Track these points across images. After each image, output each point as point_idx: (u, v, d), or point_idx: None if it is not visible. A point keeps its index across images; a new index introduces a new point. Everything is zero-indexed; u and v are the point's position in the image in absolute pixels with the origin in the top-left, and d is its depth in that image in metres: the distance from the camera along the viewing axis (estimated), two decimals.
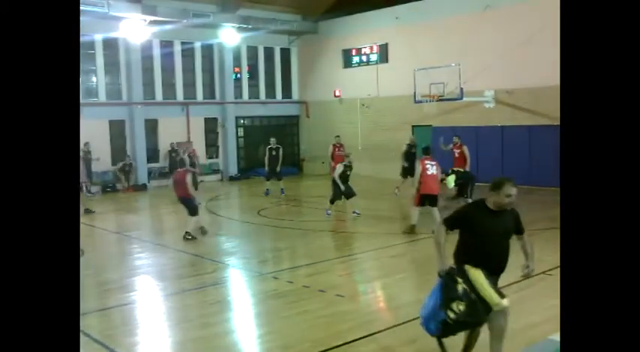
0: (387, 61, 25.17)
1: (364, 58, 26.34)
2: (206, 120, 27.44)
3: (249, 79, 28.89)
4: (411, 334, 6.44)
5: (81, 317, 7.48)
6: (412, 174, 13.61)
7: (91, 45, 23.84)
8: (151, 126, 25.52)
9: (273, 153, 19.99)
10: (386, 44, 25.12)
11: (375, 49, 25.68)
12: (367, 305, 8.15)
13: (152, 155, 25.20)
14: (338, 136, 21.77)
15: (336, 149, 20.75)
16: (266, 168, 20.14)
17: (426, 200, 12.20)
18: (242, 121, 28.64)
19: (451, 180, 15.05)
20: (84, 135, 22.55)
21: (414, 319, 6.35)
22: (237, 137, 28.25)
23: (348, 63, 27.15)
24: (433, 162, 12.42)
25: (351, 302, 8.01)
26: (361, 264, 10.69)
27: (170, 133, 25.49)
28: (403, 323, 6.90)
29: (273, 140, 20.51)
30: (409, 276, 9.85)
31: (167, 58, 26.08)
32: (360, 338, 6.51)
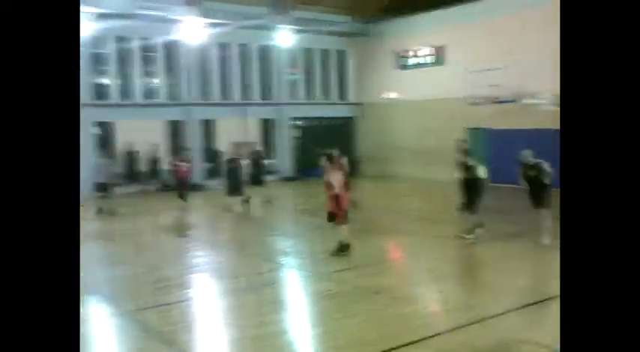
0: (441, 62, 24.98)
1: (418, 60, 26.20)
2: (262, 121, 27.81)
3: (305, 80, 29.11)
4: (464, 339, 6.41)
5: (141, 312, 7.84)
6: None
7: (152, 48, 24.52)
8: (208, 127, 26.04)
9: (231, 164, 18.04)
10: (441, 46, 24.93)
11: (430, 51, 25.53)
12: (422, 309, 8.14)
13: (209, 155, 25.66)
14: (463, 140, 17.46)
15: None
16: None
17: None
18: (297, 122, 28.88)
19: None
20: (144, 135, 23.26)
21: (468, 324, 6.32)
22: (293, 138, 28.51)
23: (402, 65, 27.05)
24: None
25: (405, 304, 8.01)
26: (416, 266, 10.66)
27: (226, 134, 25.88)
28: (456, 328, 6.87)
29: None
30: (464, 281, 9.78)
31: (224, 59, 26.55)
32: (414, 342, 6.52)
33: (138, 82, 24.66)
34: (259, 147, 21.12)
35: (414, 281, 9.67)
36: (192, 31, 23.69)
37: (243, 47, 27.06)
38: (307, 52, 28.93)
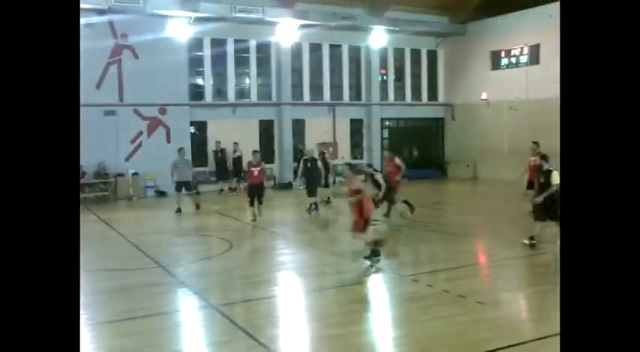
0: (537, 62, 24.21)
1: (513, 60, 25.53)
2: (352, 121, 27.93)
3: (395, 80, 28.97)
4: (551, 351, 6.20)
5: (228, 306, 8.06)
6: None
7: (246, 49, 25.19)
8: (299, 127, 26.43)
9: (309, 164, 17.98)
10: (537, 45, 24.15)
11: (526, 50, 24.81)
12: (508, 315, 7.91)
13: (297, 154, 26.03)
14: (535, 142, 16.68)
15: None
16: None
17: None
18: (387, 123, 28.81)
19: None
20: (234, 135, 23.87)
21: (555, 335, 6.11)
22: (382, 138, 28.46)
23: (496, 65, 26.43)
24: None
25: (491, 310, 7.82)
26: (504, 271, 10.39)
27: (316, 133, 26.17)
28: (544, 337, 6.64)
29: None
30: (553, 289, 9.45)
31: (315, 60, 26.86)
32: (500, 349, 6.36)
33: (231, 83, 25.39)
34: (325, 148, 21.06)
35: (499, 287, 9.44)
36: (286, 33, 24.13)
37: (335, 48, 27.27)
38: (398, 53, 28.80)
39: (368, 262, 10.19)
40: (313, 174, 17.44)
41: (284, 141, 25.82)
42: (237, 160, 23.20)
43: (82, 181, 21.50)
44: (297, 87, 26.51)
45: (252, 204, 15.57)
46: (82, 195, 21.25)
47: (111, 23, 22.39)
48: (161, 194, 22.58)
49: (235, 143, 23.50)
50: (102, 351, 6.65)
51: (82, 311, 8.17)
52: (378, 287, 9.71)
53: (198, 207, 18.13)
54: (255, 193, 15.57)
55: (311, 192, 17.20)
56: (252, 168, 15.69)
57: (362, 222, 10.34)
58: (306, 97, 26.82)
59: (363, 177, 12.90)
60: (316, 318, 7.79)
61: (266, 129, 26.03)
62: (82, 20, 21.05)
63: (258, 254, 12.21)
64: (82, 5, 20.30)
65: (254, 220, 15.26)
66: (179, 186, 18.00)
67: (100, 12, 21.49)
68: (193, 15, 22.25)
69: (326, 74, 27.26)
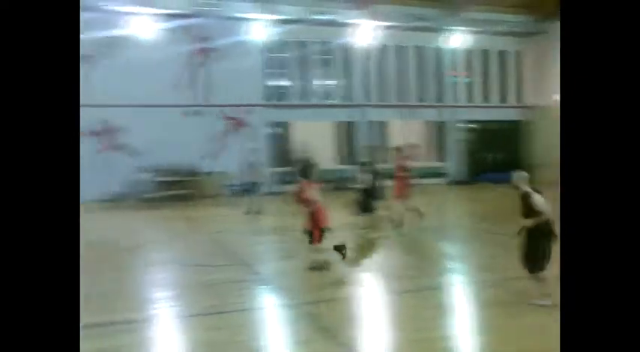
0: None
1: None
2: (432, 123, 27.68)
3: (473, 82, 28.51)
4: None
5: (309, 305, 8.18)
6: None
7: (326, 51, 25.42)
8: (379, 128, 26.42)
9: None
10: None
11: None
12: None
13: (380, 156, 26.03)
14: None
15: None
16: None
17: None
18: (466, 125, 28.37)
19: None
20: (314, 136, 24.11)
21: None
22: (462, 141, 28.05)
23: None
24: None
25: None
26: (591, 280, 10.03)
27: (397, 135, 26.10)
28: None
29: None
30: None
31: (395, 61, 26.77)
32: None
33: (314, 84, 25.68)
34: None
35: None
36: (365, 34, 24.17)
37: (412, 49, 27.09)
38: (476, 54, 28.30)
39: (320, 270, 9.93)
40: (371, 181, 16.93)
41: (363, 142, 25.90)
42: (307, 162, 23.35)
43: (168, 179, 22.34)
44: (378, 88, 26.50)
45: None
46: (167, 193, 22.10)
47: (194, 27, 23.10)
48: (242, 193, 23.09)
49: (306, 144, 23.75)
50: (192, 343, 6.89)
51: (171, 304, 8.54)
52: (459, 292, 9.60)
53: (255, 211, 18.00)
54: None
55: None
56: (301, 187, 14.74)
57: (318, 233, 10.02)
58: (387, 99, 26.78)
59: None
60: (396, 321, 7.77)
61: (345, 131, 26.16)
62: (166, 25, 21.86)
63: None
64: (165, 11, 21.16)
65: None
66: (249, 186, 18.31)
67: (183, 16, 22.23)
68: (272, 17, 22.64)
69: (406, 75, 27.12)
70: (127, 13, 21.21)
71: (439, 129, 27.94)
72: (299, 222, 14.78)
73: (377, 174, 15.97)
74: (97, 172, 22.24)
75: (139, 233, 15.40)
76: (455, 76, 27.92)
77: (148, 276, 10.55)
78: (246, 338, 6.98)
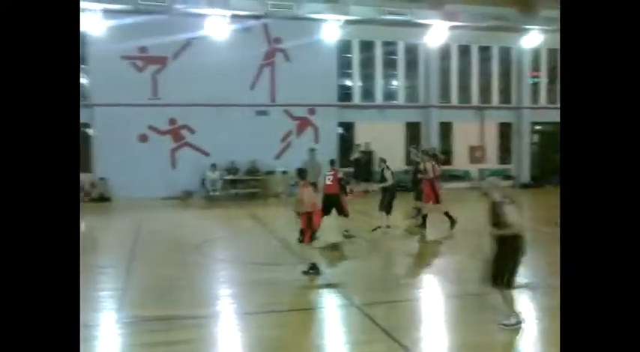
0: None
1: None
2: (500, 125, 27.12)
3: (549, 83, 27.71)
4: None
5: (370, 305, 8.15)
6: None
7: (394, 51, 25.32)
8: (446, 130, 26.10)
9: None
10: None
11: None
12: None
13: (446, 158, 25.68)
14: None
15: None
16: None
17: None
18: (537, 127, 27.63)
19: None
20: (378, 137, 24.02)
21: None
22: (531, 143, 27.35)
23: None
24: None
25: None
26: None
27: (464, 137, 25.72)
28: None
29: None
30: None
31: (464, 62, 26.38)
32: None
33: (379, 85, 25.61)
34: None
35: None
36: (434, 34, 23.90)
37: (484, 49, 26.62)
38: (553, 54, 27.50)
39: (305, 276, 9.78)
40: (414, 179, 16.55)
41: (430, 144, 25.59)
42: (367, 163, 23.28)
43: (234, 178, 22.77)
44: (444, 89, 26.20)
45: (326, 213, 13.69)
46: (234, 191, 22.53)
47: (265, 28, 23.47)
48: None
49: (366, 143, 23.67)
50: (251, 340, 6.99)
51: (230, 301, 8.70)
52: (524, 298, 9.35)
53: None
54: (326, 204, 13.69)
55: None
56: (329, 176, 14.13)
57: (309, 234, 10.08)
58: (454, 100, 26.42)
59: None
60: (457, 324, 7.68)
61: (412, 132, 25.96)
62: (239, 25, 22.27)
63: (400, 256, 12.22)
64: (239, 12, 21.54)
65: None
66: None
67: (256, 17, 22.60)
68: (343, 18, 22.68)
69: (475, 76, 26.68)
70: (200, 15, 21.69)
71: (507, 131, 27.31)
72: (359, 223, 14.84)
73: (415, 176, 15.62)
74: (167, 170, 22.88)
75: (205, 230, 15.72)
76: (531, 77, 27.22)
77: (212, 273, 10.77)
78: (305, 337, 7.05)
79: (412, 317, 7.99)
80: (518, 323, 7.13)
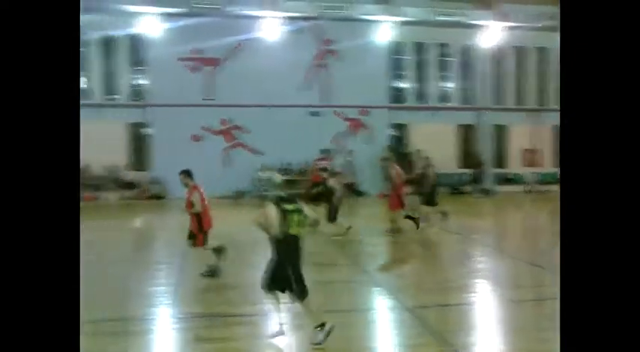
0: None
1: None
2: (556, 127, 26.60)
3: None
4: None
5: (420, 309, 8.09)
6: None
7: (447, 53, 25.09)
8: (500, 132, 25.72)
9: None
10: None
11: None
12: None
13: (500, 161, 25.31)
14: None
15: None
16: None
17: None
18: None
19: None
20: (433, 138, 23.83)
21: None
22: None
23: None
24: None
25: None
26: None
27: (518, 140, 25.29)
28: None
29: None
30: None
31: (519, 63, 25.92)
32: None
33: (432, 86, 25.41)
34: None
35: None
36: (489, 35, 23.57)
37: (540, 50, 26.10)
38: None
39: (211, 277, 9.75)
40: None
41: (484, 146, 25.28)
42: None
43: (286, 178, 22.91)
44: (499, 91, 25.79)
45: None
46: (287, 192, 22.65)
47: (318, 29, 23.57)
48: (359, 193, 23.23)
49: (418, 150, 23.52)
50: (300, 339, 7.03)
51: (282, 300, 8.74)
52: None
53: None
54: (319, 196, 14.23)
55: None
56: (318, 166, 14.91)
57: (201, 237, 9.99)
58: (509, 102, 25.98)
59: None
60: (511, 330, 7.52)
61: (465, 134, 25.67)
62: (292, 27, 22.45)
63: (452, 259, 12.08)
64: (291, 14, 21.72)
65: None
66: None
67: (309, 19, 22.73)
68: (395, 19, 22.59)
69: (532, 78, 26.17)
70: (253, 17, 21.94)
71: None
72: (410, 226, 14.75)
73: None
74: (220, 169, 23.22)
75: (256, 229, 15.87)
76: None
77: (263, 272, 10.85)
78: (354, 338, 7.03)
79: (463, 322, 7.89)
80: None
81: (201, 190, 10.05)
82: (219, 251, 10.08)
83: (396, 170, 14.22)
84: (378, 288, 9.39)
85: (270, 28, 22.03)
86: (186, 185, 10.04)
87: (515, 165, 26.02)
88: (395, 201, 13.96)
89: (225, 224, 16.85)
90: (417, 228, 14.29)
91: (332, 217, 13.87)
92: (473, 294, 9.27)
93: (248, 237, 13.86)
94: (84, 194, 20.58)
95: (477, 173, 24.28)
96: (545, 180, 25.70)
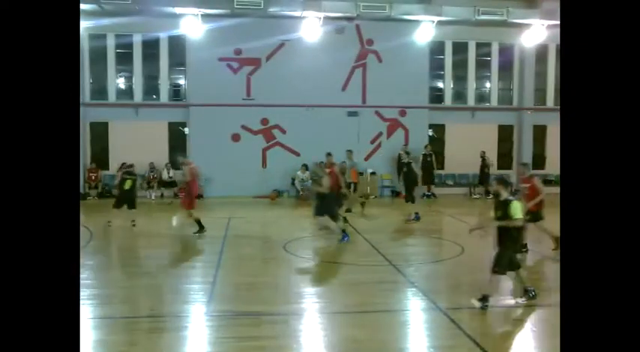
0: None
1: None
2: None
3: None
4: None
5: (455, 310, 8.03)
6: None
7: (487, 52, 24.84)
8: (539, 133, 25.29)
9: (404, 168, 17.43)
10: None
11: None
12: None
13: (538, 162, 24.82)
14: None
15: None
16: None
17: None
18: None
19: None
20: (472, 139, 23.56)
21: None
22: None
23: None
24: None
25: None
26: None
27: (558, 141, 24.84)
28: None
29: None
30: None
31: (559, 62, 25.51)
32: None
33: (471, 87, 25.13)
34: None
35: None
36: (530, 34, 23.17)
37: None
38: None
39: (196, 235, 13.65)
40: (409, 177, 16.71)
41: (523, 147, 24.89)
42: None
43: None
44: (540, 91, 25.34)
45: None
46: None
47: (358, 29, 23.59)
48: (397, 194, 23.13)
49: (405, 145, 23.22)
50: (335, 337, 7.08)
51: (316, 300, 8.81)
52: None
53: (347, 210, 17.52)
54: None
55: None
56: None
57: (189, 199, 14.15)
58: (550, 102, 25.50)
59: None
60: (549, 336, 7.42)
61: (505, 135, 25.32)
62: (332, 27, 22.50)
63: (489, 260, 11.92)
64: (331, 14, 21.75)
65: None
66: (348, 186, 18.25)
67: (349, 19, 22.76)
68: (436, 19, 22.42)
69: None
70: (294, 17, 22.04)
71: None
72: (455, 225, 14.63)
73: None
74: (258, 169, 23.41)
75: (293, 229, 15.97)
76: None
77: (298, 271, 10.93)
78: (388, 338, 7.05)
79: (499, 325, 7.81)
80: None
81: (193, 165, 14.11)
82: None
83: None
84: (412, 289, 9.36)
85: (311, 28, 22.10)
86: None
87: (554, 167, 25.40)
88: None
89: (262, 223, 17.04)
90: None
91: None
92: (508, 298, 9.16)
93: (283, 236, 14.00)
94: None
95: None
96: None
